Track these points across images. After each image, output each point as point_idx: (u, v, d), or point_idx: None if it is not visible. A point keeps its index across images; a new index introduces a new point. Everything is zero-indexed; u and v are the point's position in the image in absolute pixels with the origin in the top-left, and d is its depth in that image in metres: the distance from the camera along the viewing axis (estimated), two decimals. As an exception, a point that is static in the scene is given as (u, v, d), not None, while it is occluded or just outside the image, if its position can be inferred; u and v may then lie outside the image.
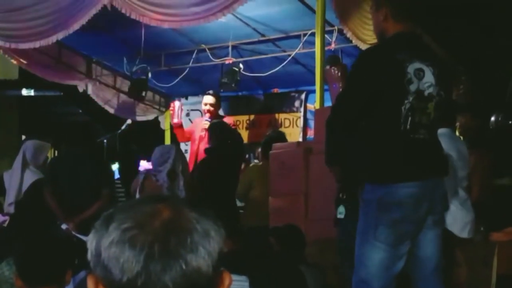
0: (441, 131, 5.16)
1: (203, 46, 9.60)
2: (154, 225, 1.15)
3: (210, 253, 1.17)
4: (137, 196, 6.80)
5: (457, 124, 6.08)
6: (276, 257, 4.79)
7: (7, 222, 6.72)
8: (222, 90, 9.47)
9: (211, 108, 8.71)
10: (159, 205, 1.20)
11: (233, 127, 8.67)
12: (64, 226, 6.20)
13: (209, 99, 8.80)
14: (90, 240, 1.20)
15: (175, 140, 10.92)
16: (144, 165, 8.30)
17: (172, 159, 6.54)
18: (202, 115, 10.33)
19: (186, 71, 10.09)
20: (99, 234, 1.18)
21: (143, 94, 10.30)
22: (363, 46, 7.70)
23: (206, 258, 1.16)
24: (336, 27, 8.29)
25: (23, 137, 14.42)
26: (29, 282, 2.95)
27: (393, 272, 3.69)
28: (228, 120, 8.66)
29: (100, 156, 7.12)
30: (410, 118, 3.66)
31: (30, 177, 6.76)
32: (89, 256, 1.20)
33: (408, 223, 3.66)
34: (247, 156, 9.85)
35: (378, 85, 3.68)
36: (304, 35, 8.62)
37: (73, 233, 6.01)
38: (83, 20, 7.78)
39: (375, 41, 7.31)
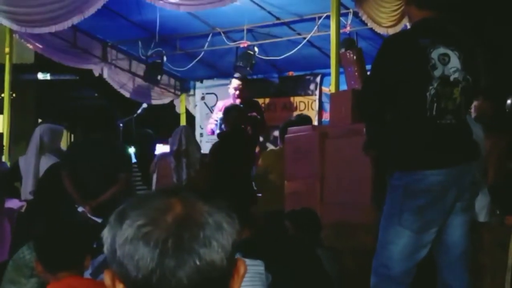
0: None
1: (218, 29, 9.61)
2: (167, 221, 1.16)
3: (224, 246, 1.18)
4: (154, 178, 6.85)
5: (472, 107, 6.04)
6: (292, 241, 4.81)
7: (24, 208, 6.75)
8: (237, 74, 9.49)
9: (240, 92, 8.80)
10: (171, 199, 1.20)
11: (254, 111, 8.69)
12: (80, 209, 6.24)
13: (237, 82, 8.86)
14: (105, 236, 1.21)
15: (190, 123, 10.99)
16: (161, 148, 8.33)
17: (178, 140, 6.61)
18: (217, 100, 10.39)
19: (201, 54, 10.11)
20: (114, 230, 1.20)
21: (159, 77, 10.33)
22: (379, 29, 7.67)
23: (220, 251, 1.17)
24: (351, 10, 8.27)
25: (39, 120, 14.52)
26: (49, 267, 2.98)
27: (415, 259, 3.66)
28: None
29: (117, 140, 7.11)
30: (435, 104, 3.61)
31: (46, 162, 6.75)
32: (105, 251, 1.22)
33: (434, 211, 3.63)
34: (261, 139, 9.87)
35: (401, 72, 3.65)
36: (319, 18, 8.60)
37: (89, 216, 6.06)
38: (98, 4, 7.81)
39: (390, 23, 7.36)
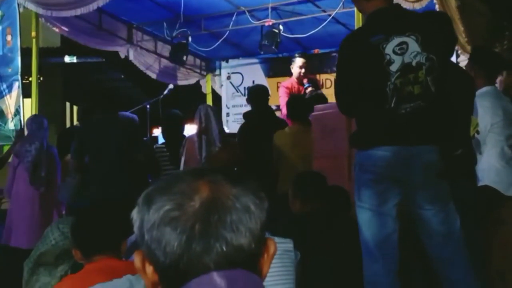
0: (485, 89, 5.12)
1: (243, 8, 9.57)
2: (194, 205, 1.16)
3: (251, 229, 1.17)
4: (182, 160, 6.88)
5: (497, 81, 5.97)
6: (320, 216, 4.77)
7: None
8: (262, 52, 9.43)
9: (305, 70, 8.60)
10: (198, 182, 1.20)
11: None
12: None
13: (302, 60, 8.64)
14: (134, 219, 1.22)
15: (216, 103, 11.01)
16: (189, 129, 8.33)
17: (199, 118, 6.63)
18: (243, 79, 10.35)
19: (226, 34, 10.10)
20: (141, 214, 1.20)
21: (184, 58, 10.34)
22: (405, 4, 7.56)
23: (247, 235, 1.17)
24: (376, -15, 8.18)
25: (67, 104, 14.63)
26: (86, 253, 2.97)
27: (386, 231, 3.76)
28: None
29: (129, 121, 7.10)
30: (395, 98, 3.69)
31: None
32: (135, 233, 1.23)
33: (384, 183, 3.74)
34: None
35: (360, 74, 3.76)
36: (344, -6, 8.54)
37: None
38: (122, -13, 7.81)
39: (417, -1, 7.26)
